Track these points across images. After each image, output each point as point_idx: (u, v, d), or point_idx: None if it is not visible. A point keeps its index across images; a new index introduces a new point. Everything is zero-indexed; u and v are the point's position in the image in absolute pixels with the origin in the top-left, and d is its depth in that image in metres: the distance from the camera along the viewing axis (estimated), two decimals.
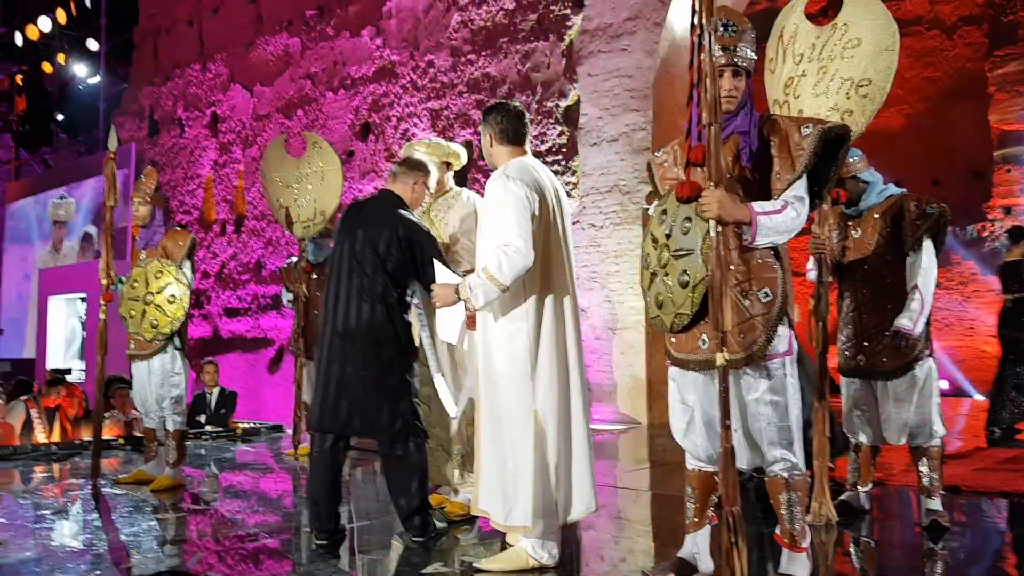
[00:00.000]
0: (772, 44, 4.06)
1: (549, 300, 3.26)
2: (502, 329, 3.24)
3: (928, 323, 4.02)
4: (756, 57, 2.93)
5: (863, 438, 4.18)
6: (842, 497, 4.21)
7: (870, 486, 4.28)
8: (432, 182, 3.98)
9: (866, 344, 4.06)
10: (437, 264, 3.53)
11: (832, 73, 3.81)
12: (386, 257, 3.65)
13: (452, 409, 3.92)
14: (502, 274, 3.07)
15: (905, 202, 4.04)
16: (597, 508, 3.37)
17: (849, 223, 4.17)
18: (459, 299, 3.25)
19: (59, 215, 14.39)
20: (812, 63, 3.87)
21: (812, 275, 4.17)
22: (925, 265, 3.95)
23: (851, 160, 4.08)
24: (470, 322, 3.40)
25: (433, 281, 3.49)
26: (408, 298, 3.79)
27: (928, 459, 4.00)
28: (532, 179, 3.26)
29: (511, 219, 3.11)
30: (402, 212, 3.74)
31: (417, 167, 3.89)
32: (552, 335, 3.25)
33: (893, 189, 4.15)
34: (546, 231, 3.26)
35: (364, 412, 3.64)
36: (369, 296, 3.65)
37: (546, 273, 3.26)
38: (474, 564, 3.37)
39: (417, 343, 3.87)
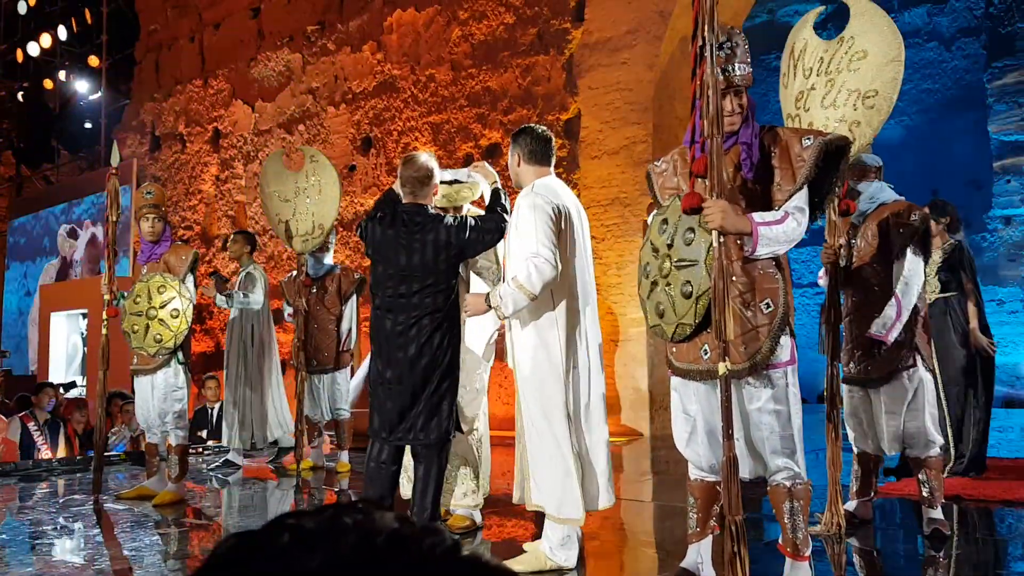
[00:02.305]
0: (784, 60, 4.13)
1: (576, 308, 3.44)
2: (536, 336, 3.39)
3: (916, 331, 4.02)
4: (750, 69, 2.95)
5: (863, 447, 4.19)
6: (846, 506, 4.19)
7: (873, 495, 4.30)
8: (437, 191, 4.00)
9: (857, 352, 4.12)
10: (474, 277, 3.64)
11: (840, 85, 3.86)
12: (433, 264, 3.66)
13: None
14: (531, 283, 3.25)
15: (891, 211, 4.08)
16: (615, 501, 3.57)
17: (854, 231, 4.23)
18: (489, 308, 3.40)
19: (64, 248, 14.49)
20: (821, 76, 3.93)
21: (823, 282, 4.21)
22: (906, 273, 3.98)
23: (860, 163, 4.15)
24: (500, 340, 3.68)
25: (499, 224, 3.67)
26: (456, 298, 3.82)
27: (927, 469, 3.98)
28: (557, 197, 3.46)
29: (539, 232, 3.30)
30: (440, 217, 3.74)
31: (430, 178, 3.85)
32: (580, 341, 3.42)
33: (886, 196, 4.17)
34: (571, 245, 3.45)
35: (431, 418, 3.67)
36: (417, 306, 3.67)
37: (572, 283, 3.43)
38: None
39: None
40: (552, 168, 3.65)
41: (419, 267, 3.68)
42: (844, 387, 4.19)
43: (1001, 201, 11.13)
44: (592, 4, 8.79)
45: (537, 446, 3.42)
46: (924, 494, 4.00)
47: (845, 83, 3.85)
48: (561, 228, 3.39)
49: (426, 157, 3.91)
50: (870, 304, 4.07)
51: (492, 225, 3.72)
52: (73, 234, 14.15)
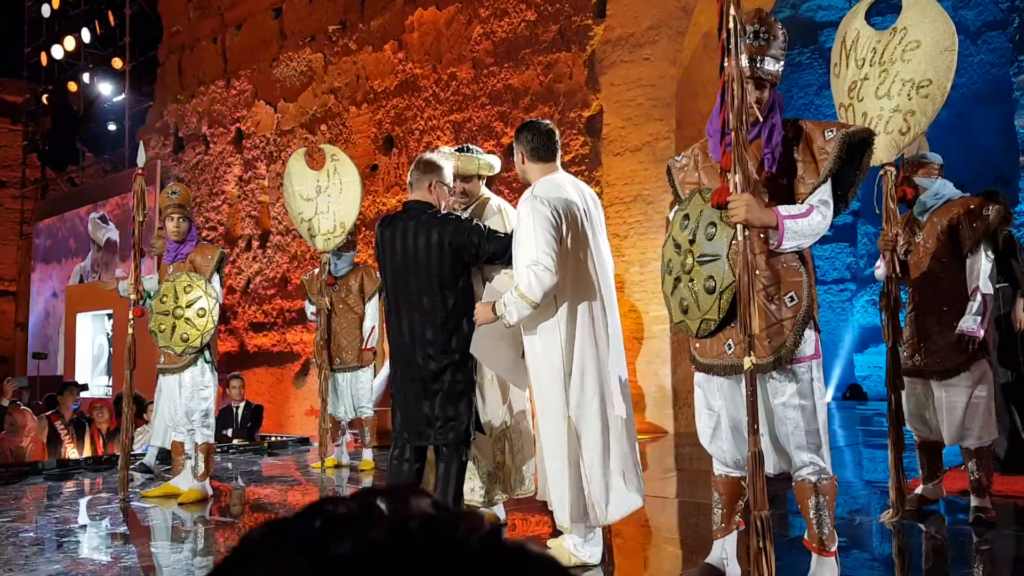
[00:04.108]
0: (836, 50, 4.20)
1: (579, 310, 3.38)
2: (538, 342, 3.38)
3: (985, 326, 4.11)
4: (781, 67, 2.91)
5: (925, 435, 4.30)
6: (916, 491, 4.34)
7: (938, 481, 4.39)
8: (448, 178, 3.89)
9: (923, 344, 4.18)
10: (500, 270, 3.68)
11: (894, 75, 3.92)
12: (436, 264, 3.60)
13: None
14: (532, 292, 3.21)
15: (961, 207, 4.14)
16: (643, 502, 3.50)
17: (915, 225, 4.28)
18: (496, 317, 3.36)
19: (99, 237, 14.52)
20: (874, 67, 3.99)
21: (879, 272, 4.30)
22: (983, 268, 4.04)
23: (925, 160, 4.22)
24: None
25: (502, 247, 3.59)
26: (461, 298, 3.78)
27: (977, 459, 4.08)
28: (559, 197, 3.38)
29: (538, 238, 3.24)
30: (436, 219, 3.65)
31: (428, 169, 3.77)
32: (584, 344, 3.36)
33: (952, 192, 4.24)
34: (575, 244, 3.38)
35: (446, 419, 3.66)
36: (423, 307, 3.63)
37: (576, 285, 3.38)
38: None
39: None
40: (558, 161, 3.60)
41: (415, 266, 3.62)
42: (905, 379, 4.25)
43: None
44: (614, 0, 8.76)
45: (543, 452, 3.45)
46: (972, 482, 4.10)
47: (899, 73, 3.90)
48: (563, 230, 3.33)
49: (433, 153, 3.89)
50: (939, 299, 4.13)
51: (499, 247, 3.61)
52: (105, 220, 14.21)
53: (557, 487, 3.36)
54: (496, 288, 3.71)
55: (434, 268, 3.60)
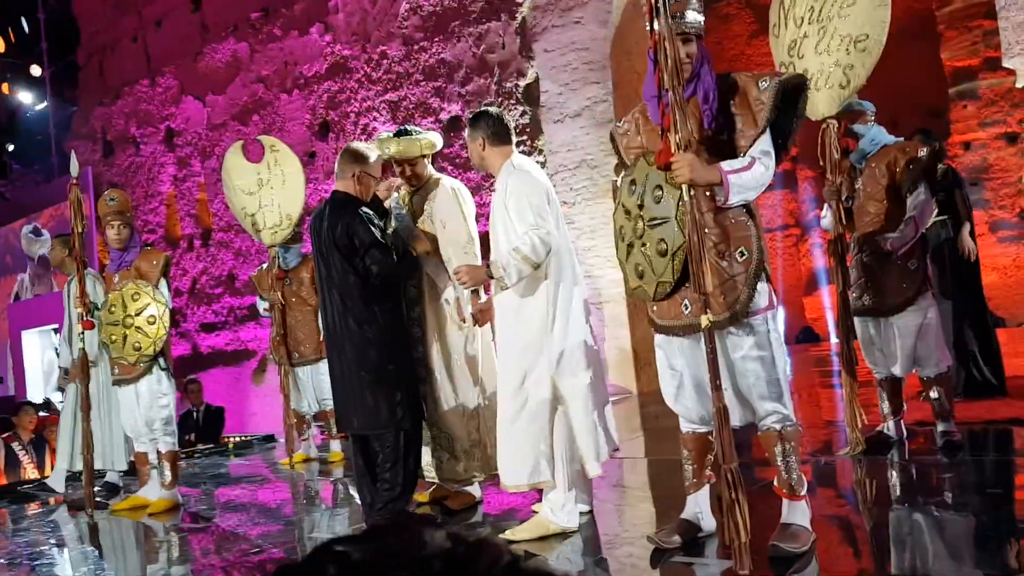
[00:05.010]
0: (774, 10, 4.35)
1: (562, 275, 3.51)
2: (522, 305, 3.47)
3: (927, 262, 4.36)
4: (703, 19, 2.94)
5: (882, 372, 4.46)
6: (877, 428, 4.50)
7: (899, 417, 4.52)
8: (375, 168, 3.98)
9: (870, 284, 4.34)
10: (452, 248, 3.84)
11: (832, 32, 4.06)
12: (349, 257, 3.75)
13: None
14: (535, 253, 3.35)
15: (897, 150, 4.31)
16: (616, 449, 3.65)
17: (854, 172, 4.43)
18: (489, 278, 3.46)
19: (33, 251, 14.10)
20: (813, 24, 4.13)
21: (825, 222, 4.49)
22: (920, 200, 4.24)
23: (858, 110, 4.36)
24: (481, 316, 3.86)
25: (374, 267, 3.71)
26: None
27: (937, 385, 4.28)
28: (538, 171, 3.63)
29: (537, 205, 3.43)
30: (345, 211, 3.79)
31: (352, 159, 3.91)
32: (565, 308, 3.48)
33: (885, 138, 4.40)
34: (555, 219, 3.53)
35: (361, 409, 3.79)
36: (345, 299, 3.76)
37: (556, 254, 3.49)
38: (500, 536, 3.40)
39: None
40: (514, 144, 3.71)
41: (326, 255, 3.78)
42: (856, 319, 4.42)
43: (959, 127, 11.22)
44: None
45: (509, 419, 3.48)
46: (935, 408, 4.30)
47: (837, 29, 4.04)
48: (548, 202, 3.49)
49: (361, 143, 4.00)
50: (883, 239, 4.25)
51: (376, 260, 3.71)
52: (38, 232, 13.80)
53: (532, 449, 3.41)
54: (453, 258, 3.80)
55: (330, 260, 3.76)
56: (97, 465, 5.64)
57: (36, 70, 14.97)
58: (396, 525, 0.51)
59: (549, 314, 3.43)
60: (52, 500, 6.13)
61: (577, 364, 3.44)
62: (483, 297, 3.93)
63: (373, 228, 3.77)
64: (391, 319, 3.82)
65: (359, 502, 4.10)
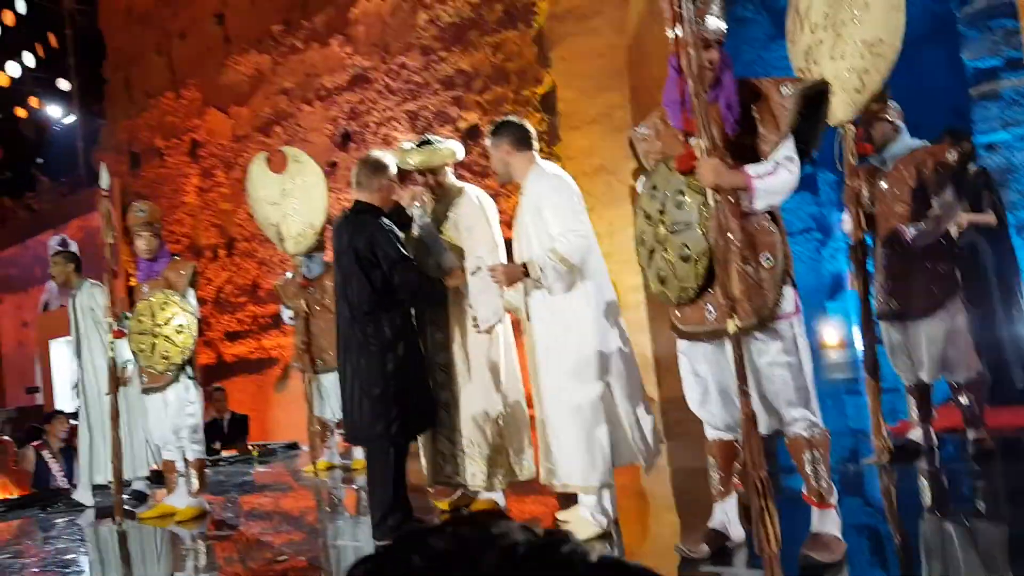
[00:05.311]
0: (790, 17, 4.34)
1: (602, 280, 3.61)
2: (564, 308, 3.51)
3: (956, 265, 4.26)
4: (724, 25, 2.94)
5: (909, 378, 4.39)
6: (908, 435, 4.44)
7: (929, 424, 4.45)
8: (395, 178, 4.04)
9: (898, 288, 4.29)
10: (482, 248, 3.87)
11: (846, 37, 4.05)
12: (366, 268, 3.76)
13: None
14: (573, 255, 3.41)
15: (926, 153, 4.27)
16: (655, 454, 3.70)
17: (876, 175, 4.37)
18: (526, 276, 3.50)
19: None
20: (828, 31, 4.12)
21: (846, 227, 4.40)
22: (947, 200, 4.18)
23: (890, 105, 4.34)
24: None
25: (403, 287, 3.75)
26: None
27: (967, 392, 4.21)
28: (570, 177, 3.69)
29: (576, 209, 3.52)
30: (368, 222, 3.81)
31: (373, 170, 3.94)
32: (603, 308, 3.55)
33: (915, 142, 4.37)
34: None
35: (357, 419, 3.84)
36: (355, 308, 3.80)
37: (592, 258, 3.57)
38: None
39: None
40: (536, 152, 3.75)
41: (344, 266, 3.82)
42: (881, 323, 4.37)
43: (982, 127, 11.11)
44: None
45: (562, 420, 3.50)
46: (966, 415, 4.23)
47: (852, 34, 4.03)
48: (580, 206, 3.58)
49: (379, 152, 4.00)
50: (906, 244, 4.22)
51: (410, 279, 3.77)
52: (64, 243, 13.96)
53: (589, 451, 3.43)
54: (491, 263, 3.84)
55: (351, 269, 3.78)
56: (125, 475, 5.69)
57: (64, 84, 15.17)
58: (472, 517, 0.52)
59: (592, 315, 3.48)
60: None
61: (616, 364, 3.50)
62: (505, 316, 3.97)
63: (397, 242, 3.79)
64: (397, 332, 3.83)
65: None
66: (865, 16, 4.00)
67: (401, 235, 3.92)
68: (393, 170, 3.97)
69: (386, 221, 3.87)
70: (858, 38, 4.01)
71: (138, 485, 6.12)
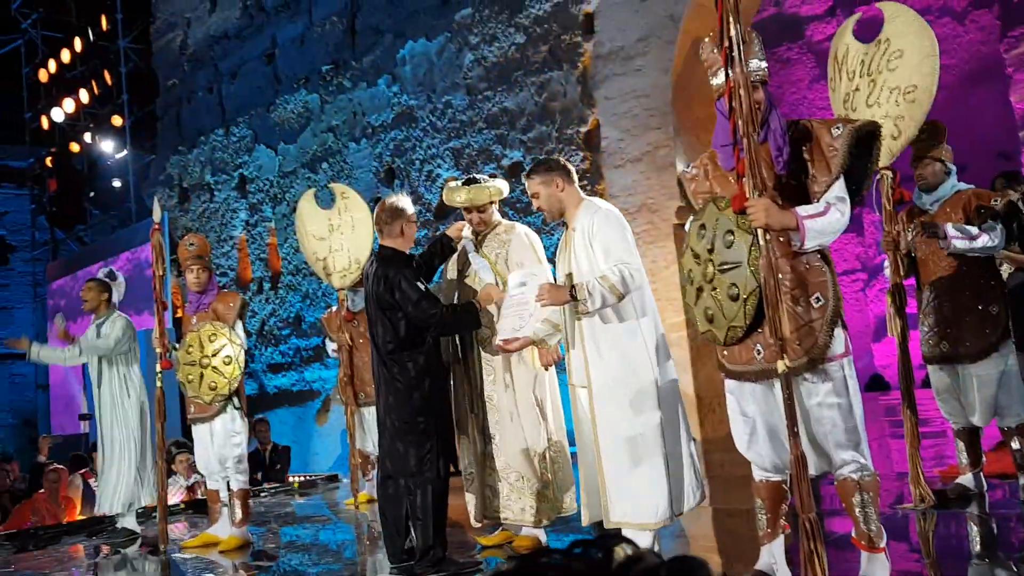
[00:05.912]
0: (830, 65, 4.42)
1: (656, 316, 3.63)
2: (620, 343, 3.52)
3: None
4: (766, 65, 2.98)
5: (959, 422, 4.33)
6: (957, 480, 4.37)
7: (978, 469, 4.37)
8: (412, 214, 4.14)
9: (948, 331, 4.24)
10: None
11: (881, 84, 4.10)
12: (386, 310, 3.89)
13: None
14: (624, 285, 3.42)
15: (973, 195, 4.27)
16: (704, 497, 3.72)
17: (922, 217, 4.35)
18: (572, 299, 3.48)
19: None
20: (864, 78, 4.17)
21: (888, 271, 4.38)
22: (994, 228, 4.11)
23: (944, 147, 4.35)
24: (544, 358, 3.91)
25: (428, 322, 3.84)
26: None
27: (1019, 436, 4.13)
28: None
29: (628, 242, 3.57)
30: (391, 266, 3.93)
31: (392, 215, 4.06)
32: (655, 343, 3.57)
33: (962, 185, 4.36)
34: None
35: (393, 455, 3.93)
36: (383, 352, 3.93)
37: (642, 288, 3.60)
38: None
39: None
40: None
41: (371, 311, 3.97)
42: (930, 367, 4.34)
43: None
44: (601, 16, 8.83)
45: (619, 457, 3.49)
46: (1018, 460, 4.13)
47: (886, 82, 4.07)
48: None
49: (394, 196, 4.13)
50: (957, 285, 4.21)
51: (430, 314, 3.84)
52: (112, 276, 14.28)
53: (651, 489, 3.43)
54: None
55: (376, 311, 3.92)
56: (117, 508, 5.78)
57: (117, 120, 15.62)
58: (598, 541, 0.53)
59: (645, 350, 3.51)
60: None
61: (665, 398, 3.52)
62: (551, 343, 3.94)
63: (418, 283, 3.91)
64: (421, 371, 3.90)
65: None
66: (899, 63, 4.05)
67: (424, 270, 4.14)
68: (410, 211, 4.11)
69: (409, 261, 4.03)
70: (892, 85, 4.06)
71: (128, 522, 5.93)
